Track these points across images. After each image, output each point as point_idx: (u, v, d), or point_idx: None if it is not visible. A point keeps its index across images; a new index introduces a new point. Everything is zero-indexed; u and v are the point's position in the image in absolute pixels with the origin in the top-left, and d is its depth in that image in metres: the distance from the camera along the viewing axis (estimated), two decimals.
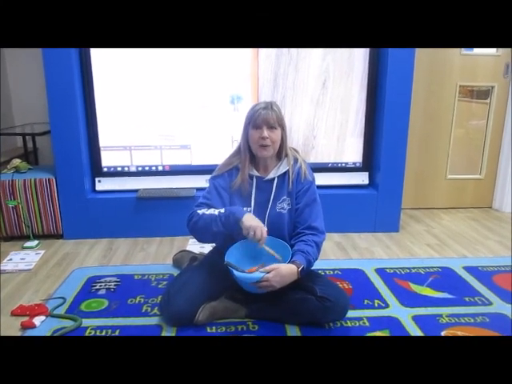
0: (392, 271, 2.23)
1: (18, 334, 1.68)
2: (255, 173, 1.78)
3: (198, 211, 1.71)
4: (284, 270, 1.58)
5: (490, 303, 1.92)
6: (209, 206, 1.73)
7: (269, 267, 1.58)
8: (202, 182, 2.63)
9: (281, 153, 1.79)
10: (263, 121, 1.68)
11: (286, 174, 1.78)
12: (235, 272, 1.60)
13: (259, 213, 1.76)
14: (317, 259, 1.72)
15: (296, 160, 1.80)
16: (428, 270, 2.24)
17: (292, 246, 1.73)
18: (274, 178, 1.77)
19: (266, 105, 1.71)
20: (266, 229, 1.63)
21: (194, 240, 2.54)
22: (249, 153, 1.77)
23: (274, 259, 1.66)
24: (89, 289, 2.02)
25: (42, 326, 1.73)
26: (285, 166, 1.78)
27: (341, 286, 2.05)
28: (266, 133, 1.68)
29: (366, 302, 1.92)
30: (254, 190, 1.77)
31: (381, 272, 2.21)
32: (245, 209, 1.75)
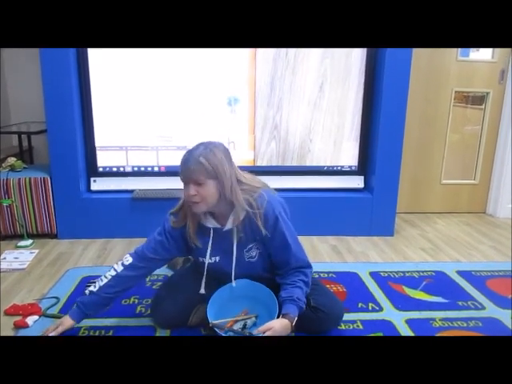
0: (386, 275, 2.23)
1: (11, 333, 1.68)
2: (212, 223, 1.60)
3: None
4: (279, 328, 1.47)
5: (483, 308, 1.93)
6: None
7: (263, 328, 1.47)
8: None
9: (228, 201, 1.54)
10: (186, 177, 1.48)
11: (245, 219, 1.56)
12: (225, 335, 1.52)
13: (226, 263, 1.63)
14: (307, 292, 1.61)
15: (251, 202, 1.54)
16: (422, 273, 2.25)
17: (278, 285, 1.62)
18: (232, 229, 1.59)
19: (194, 155, 1.46)
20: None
21: None
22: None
23: (257, 303, 1.63)
24: (83, 289, 2.00)
25: (35, 325, 1.72)
26: (241, 213, 1.54)
27: (335, 289, 2.06)
28: (191, 190, 1.47)
29: (360, 305, 1.93)
30: (210, 243, 1.61)
31: (375, 275, 2.22)
32: (209, 259, 1.64)
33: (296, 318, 1.52)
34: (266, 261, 1.66)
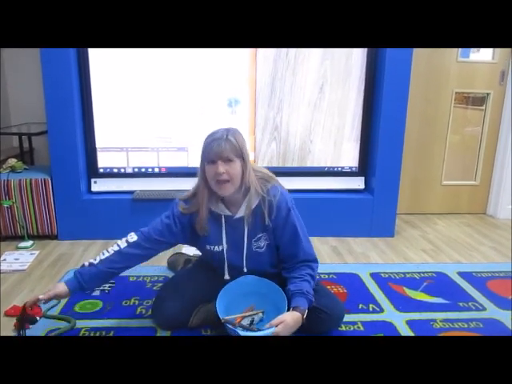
0: (387, 276, 2.23)
1: (12, 334, 1.67)
2: (224, 211, 1.62)
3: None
4: (291, 321, 1.47)
5: (484, 309, 1.93)
6: None
7: (275, 321, 1.46)
8: None
9: (246, 186, 1.57)
10: (216, 154, 1.49)
11: (257, 208, 1.59)
12: (241, 332, 1.48)
13: (236, 253, 1.66)
14: (313, 286, 1.62)
15: (266, 191, 1.59)
16: (422, 275, 2.25)
17: (284, 278, 1.64)
18: (243, 217, 1.60)
19: (221, 134, 1.51)
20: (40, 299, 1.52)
21: None
22: (208, 190, 1.58)
23: (264, 298, 1.63)
24: None
25: (36, 326, 1.71)
26: (254, 200, 1.58)
27: (336, 290, 2.06)
28: (221, 168, 1.49)
29: (360, 306, 1.93)
30: (223, 230, 1.63)
31: (376, 276, 2.22)
32: (217, 247, 1.67)
33: (306, 311, 1.52)
34: (273, 252, 1.67)
